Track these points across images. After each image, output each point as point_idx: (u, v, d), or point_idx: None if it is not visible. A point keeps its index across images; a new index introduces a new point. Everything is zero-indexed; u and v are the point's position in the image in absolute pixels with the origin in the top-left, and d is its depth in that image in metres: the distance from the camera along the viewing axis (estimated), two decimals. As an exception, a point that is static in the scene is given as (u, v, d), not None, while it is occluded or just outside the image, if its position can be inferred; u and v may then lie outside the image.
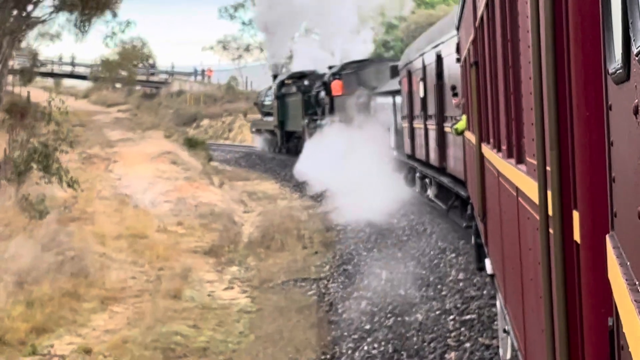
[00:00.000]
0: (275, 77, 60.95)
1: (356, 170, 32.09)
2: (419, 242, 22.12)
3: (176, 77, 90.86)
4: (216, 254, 24.93)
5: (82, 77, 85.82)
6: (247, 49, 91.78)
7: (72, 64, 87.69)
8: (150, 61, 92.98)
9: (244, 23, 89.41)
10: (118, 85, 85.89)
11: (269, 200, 37.02)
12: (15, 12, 41.39)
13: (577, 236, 3.93)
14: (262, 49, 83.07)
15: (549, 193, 4.34)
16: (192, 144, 41.73)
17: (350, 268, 22.06)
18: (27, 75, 51.25)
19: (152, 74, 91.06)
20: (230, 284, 22.24)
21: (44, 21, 45.91)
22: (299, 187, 40.04)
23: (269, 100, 58.75)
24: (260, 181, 44.61)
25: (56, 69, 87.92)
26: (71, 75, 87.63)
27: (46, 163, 28.45)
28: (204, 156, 41.28)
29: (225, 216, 29.46)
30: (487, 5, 8.56)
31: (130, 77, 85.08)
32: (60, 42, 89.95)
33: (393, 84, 33.24)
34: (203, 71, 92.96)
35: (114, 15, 49.50)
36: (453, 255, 19.18)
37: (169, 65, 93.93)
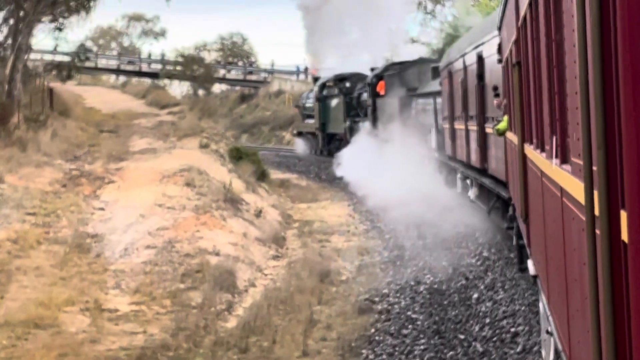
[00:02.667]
0: (316, 79, 61.04)
1: (428, 193, 28.85)
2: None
3: (276, 75, 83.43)
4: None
5: (155, 75, 79.56)
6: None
7: (163, 61, 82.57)
8: (252, 59, 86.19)
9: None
10: (188, 83, 78.76)
11: (323, 235, 27.32)
12: None
13: (624, 236, 3.90)
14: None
15: (595, 193, 4.31)
16: (239, 156, 35.15)
17: None
18: (65, 71, 44.95)
19: (251, 73, 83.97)
20: None
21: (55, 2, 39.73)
22: (371, 213, 31.19)
23: (310, 103, 58.95)
24: (330, 202, 35.53)
25: (145, 67, 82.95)
26: (144, 73, 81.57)
27: None
28: (250, 172, 33.66)
29: (222, 275, 19.67)
30: (530, 5, 8.52)
31: (207, 74, 78.24)
32: (165, 40, 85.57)
33: (434, 85, 33.18)
34: (306, 69, 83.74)
35: None
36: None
37: (268, 64, 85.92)
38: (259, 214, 27.30)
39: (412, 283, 19.29)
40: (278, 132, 72.52)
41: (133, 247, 21.46)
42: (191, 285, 19.16)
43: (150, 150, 31.97)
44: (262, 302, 18.32)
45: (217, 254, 21.25)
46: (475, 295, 17.30)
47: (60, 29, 42.21)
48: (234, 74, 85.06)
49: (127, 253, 21.16)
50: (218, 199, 25.73)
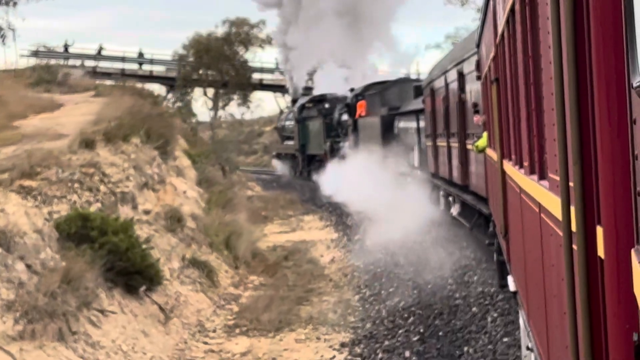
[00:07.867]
0: (294, 101, 60.87)
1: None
2: None
3: None
4: None
5: (171, 79, 69.12)
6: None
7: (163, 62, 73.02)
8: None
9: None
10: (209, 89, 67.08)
11: None
12: None
13: (601, 252, 3.91)
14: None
15: (572, 209, 4.32)
16: (84, 234, 17.05)
17: None
18: None
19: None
20: None
21: None
22: None
23: (289, 125, 58.88)
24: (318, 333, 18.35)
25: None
26: (154, 78, 70.38)
27: None
28: (97, 271, 16.28)
29: None
30: (507, 22, 8.56)
31: (239, 75, 66.72)
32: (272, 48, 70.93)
33: (417, 104, 33.25)
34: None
35: None
36: None
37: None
38: None
39: None
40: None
41: None
42: None
43: None
44: None
45: None
46: None
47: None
48: None
49: None
50: None
